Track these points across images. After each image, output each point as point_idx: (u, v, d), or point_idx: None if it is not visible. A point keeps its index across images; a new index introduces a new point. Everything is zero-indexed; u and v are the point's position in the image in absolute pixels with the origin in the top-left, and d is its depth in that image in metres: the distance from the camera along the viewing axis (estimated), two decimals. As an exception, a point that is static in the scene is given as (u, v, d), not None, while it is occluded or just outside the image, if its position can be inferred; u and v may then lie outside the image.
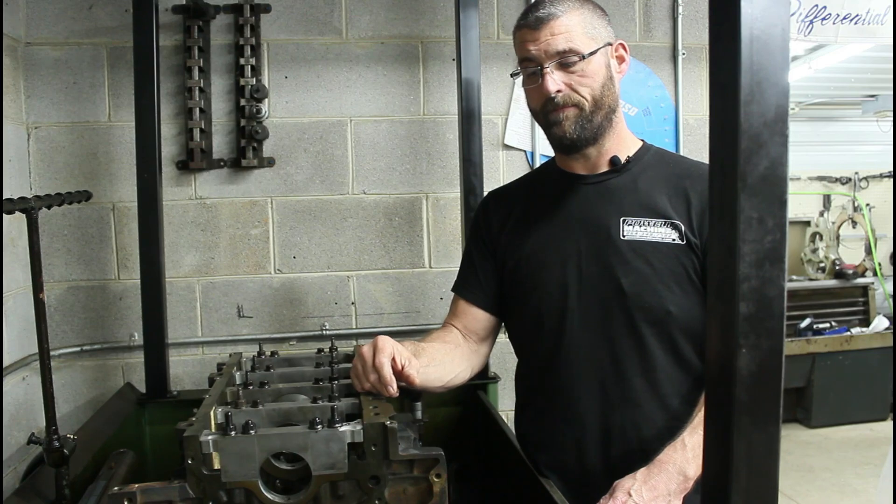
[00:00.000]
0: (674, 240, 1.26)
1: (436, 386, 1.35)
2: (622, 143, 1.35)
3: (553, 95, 1.26)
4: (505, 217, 1.45)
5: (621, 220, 1.30)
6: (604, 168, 1.35)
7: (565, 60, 1.25)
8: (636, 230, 1.28)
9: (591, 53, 1.25)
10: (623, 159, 1.34)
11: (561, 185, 1.39)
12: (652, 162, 1.35)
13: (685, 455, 1.16)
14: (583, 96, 1.27)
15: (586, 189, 1.35)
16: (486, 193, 2.06)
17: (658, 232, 1.28)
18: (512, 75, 1.37)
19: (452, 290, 1.51)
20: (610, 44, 1.30)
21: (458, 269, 1.53)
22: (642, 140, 1.39)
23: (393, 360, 1.20)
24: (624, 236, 1.29)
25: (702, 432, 1.04)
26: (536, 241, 1.38)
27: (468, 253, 1.52)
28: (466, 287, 1.48)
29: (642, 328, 1.28)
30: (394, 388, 1.17)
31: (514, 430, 1.52)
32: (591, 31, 1.27)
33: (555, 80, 1.26)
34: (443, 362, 1.36)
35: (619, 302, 1.28)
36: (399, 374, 1.19)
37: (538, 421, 1.42)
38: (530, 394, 1.45)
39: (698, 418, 1.21)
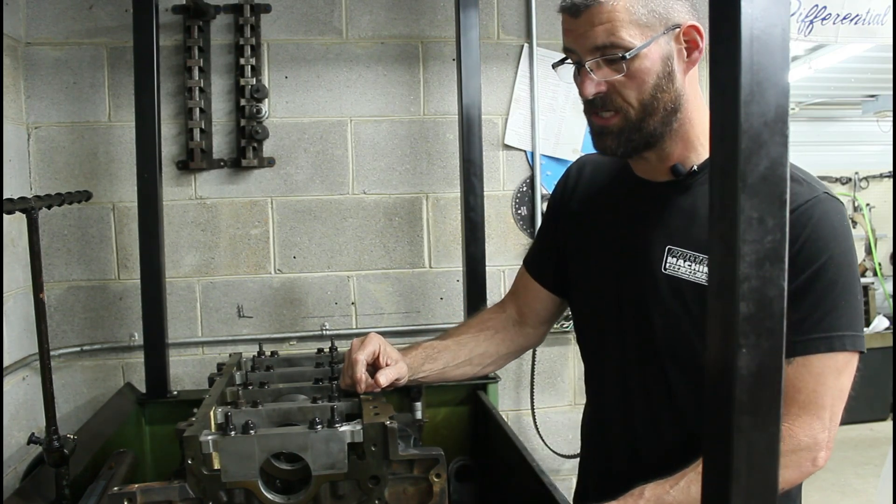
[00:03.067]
0: None
1: (461, 380, 1.39)
2: (690, 147, 1.14)
3: (591, 98, 1.10)
4: (580, 197, 1.34)
5: (667, 248, 1.14)
6: (664, 176, 1.17)
7: (608, 56, 1.06)
8: (679, 264, 1.13)
9: (642, 47, 1.04)
10: (688, 168, 1.14)
11: (624, 188, 1.25)
12: None
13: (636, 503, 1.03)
14: (627, 101, 1.08)
15: (644, 201, 1.20)
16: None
17: (703, 271, 1.11)
18: (553, 66, 1.17)
19: (523, 261, 1.47)
20: (677, 26, 1.07)
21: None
22: None
23: (377, 359, 1.20)
24: (665, 269, 1.14)
25: (672, 490, 1.01)
26: (588, 250, 1.29)
27: (542, 225, 1.46)
28: (533, 261, 1.43)
29: (672, 376, 1.16)
30: (362, 387, 1.18)
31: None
32: (643, 16, 1.04)
33: (593, 81, 1.08)
34: (470, 359, 1.36)
35: (651, 344, 1.17)
36: (374, 373, 1.20)
37: (584, 430, 1.41)
38: (587, 395, 1.40)
39: (683, 474, 1.04)
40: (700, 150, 1.15)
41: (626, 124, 1.10)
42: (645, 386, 1.20)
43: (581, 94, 1.11)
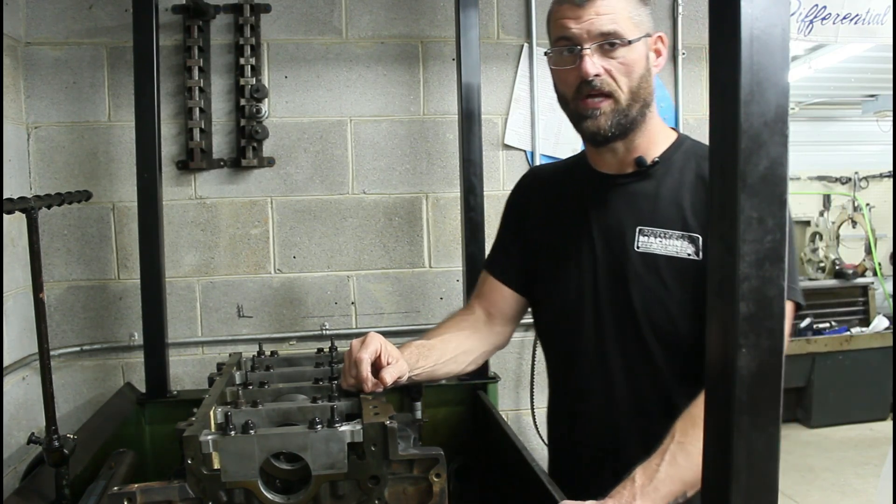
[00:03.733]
0: (689, 255, 1.21)
1: (448, 377, 1.42)
2: (652, 141, 1.28)
3: (591, 78, 1.19)
4: (538, 203, 1.42)
5: (638, 229, 1.24)
6: (629, 168, 1.29)
7: (608, 43, 1.19)
8: (651, 241, 1.23)
9: (636, 40, 1.19)
10: (650, 160, 1.27)
11: (587, 184, 1.34)
12: (680, 162, 1.28)
13: (632, 491, 1.05)
14: (620, 86, 1.20)
15: (610, 192, 1.30)
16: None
17: (674, 245, 1.21)
18: (546, 54, 1.27)
19: (482, 266, 1.51)
20: (650, 35, 1.23)
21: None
22: (678, 132, 1.34)
23: (379, 357, 1.21)
24: (638, 248, 1.24)
25: (661, 466, 1.04)
26: (557, 243, 1.35)
27: (501, 231, 1.50)
28: (495, 264, 1.47)
29: (653, 347, 1.24)
30: (368, 386, 1.18)
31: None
32: (636, 16, 1.21)
33: (594, 63, 1.18)
34: (455, 356, 1.38)
35: (631, 319, 1.25)
36: (377, 372, 1.20)
37: (557, 417, 1.45)
38: (552, 388, 1.47)
39: (664, 449, 1.08)
40: (659, 143, 1.29)
41: (616, 107, 1.22)
42: (626, 362, 1.26)
43: (580, 74, 1.20)
